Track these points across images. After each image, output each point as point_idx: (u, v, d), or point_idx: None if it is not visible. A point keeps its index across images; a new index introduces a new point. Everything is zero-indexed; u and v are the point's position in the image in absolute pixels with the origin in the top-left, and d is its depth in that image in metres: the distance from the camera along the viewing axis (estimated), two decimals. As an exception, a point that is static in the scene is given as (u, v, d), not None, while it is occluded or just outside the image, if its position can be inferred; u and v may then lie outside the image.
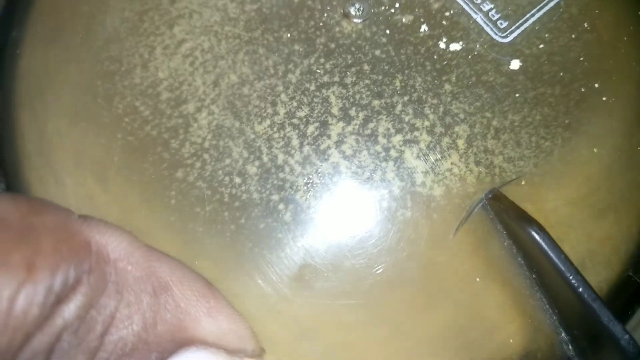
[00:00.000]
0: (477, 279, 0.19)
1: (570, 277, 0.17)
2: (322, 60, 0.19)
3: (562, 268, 0.17)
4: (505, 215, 0.18)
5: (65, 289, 0.14)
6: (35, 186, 0.21)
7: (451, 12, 0.20)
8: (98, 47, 0.21)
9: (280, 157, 0.19)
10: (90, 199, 0.20)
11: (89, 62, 0.21)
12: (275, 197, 0.19)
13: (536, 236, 0.17)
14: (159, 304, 0.15)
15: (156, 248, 0.17)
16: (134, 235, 0.16)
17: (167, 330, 0.15)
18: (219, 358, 0.15)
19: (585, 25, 0.21)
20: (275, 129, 0.19)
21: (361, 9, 0.20)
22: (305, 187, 0.19)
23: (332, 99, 0.19)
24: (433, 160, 0.19)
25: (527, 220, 0.18)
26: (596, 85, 0.20)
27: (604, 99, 0.20)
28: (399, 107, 0.19)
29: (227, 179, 0.19)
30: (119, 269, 0.15)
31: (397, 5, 0.20)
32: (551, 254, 0.17)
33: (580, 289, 0.17)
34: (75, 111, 0.21)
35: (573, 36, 0.20)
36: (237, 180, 0.19)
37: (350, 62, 0.19)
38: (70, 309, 0.13)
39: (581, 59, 0.20)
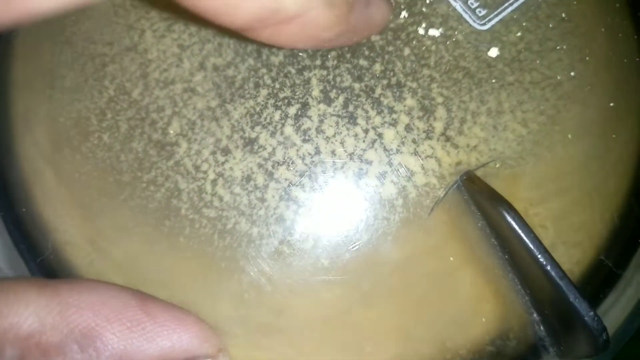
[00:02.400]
0: (451, 258, 0.20)
1: (539, 256, 0.18)
2: (305, 44, 0.20)
3: (531, 246, 0.18)
4: (479, 196, 0.19)
5: None
6: (25, 164, 0.22)
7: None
8: (91, 29, 0.21)
9: (262, 137, 0.20)
10: (79, 175, 0.21)
11: (81, 44, 0.21)
12: (256, 175, 0.19)
13: (507, 215, 0.18)
14: (89, 357, 0.15)
15: (74, 281, 0.16)
16: (42, 285, 0.15)
17: None
18: None
19: (563, 15, 0.21)
20: (257, 109, 0.20)
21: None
22: (285, 166, 0.19)
23: (314, 81, 0.20)
24: (410, 142, 0.20)
25: (499, 200, 0.18)
26: (572, 74, 0.21)
27: (579, 87, 0.21)
28: (379, 91, 0.20)
29: (211, 157, 0.20)
30: (34, 344, 0.14)
31: (379, -8, 0.20)
32: (521, 233, 0.18)
33: (548, 267, 0.18)
34: (68, 92, 0.21)
35: (551, 25, 0.21)
36: (221, 158, 0.20)
37: (332, 46, 0.20)
38: None
39: (558, 47, 0.21)
